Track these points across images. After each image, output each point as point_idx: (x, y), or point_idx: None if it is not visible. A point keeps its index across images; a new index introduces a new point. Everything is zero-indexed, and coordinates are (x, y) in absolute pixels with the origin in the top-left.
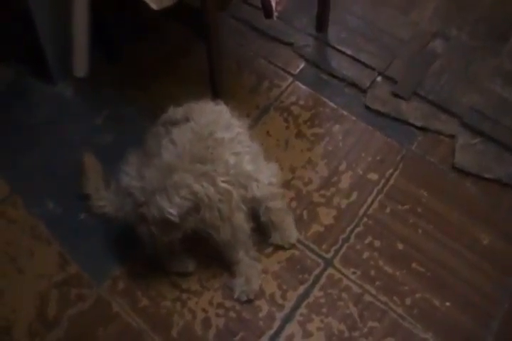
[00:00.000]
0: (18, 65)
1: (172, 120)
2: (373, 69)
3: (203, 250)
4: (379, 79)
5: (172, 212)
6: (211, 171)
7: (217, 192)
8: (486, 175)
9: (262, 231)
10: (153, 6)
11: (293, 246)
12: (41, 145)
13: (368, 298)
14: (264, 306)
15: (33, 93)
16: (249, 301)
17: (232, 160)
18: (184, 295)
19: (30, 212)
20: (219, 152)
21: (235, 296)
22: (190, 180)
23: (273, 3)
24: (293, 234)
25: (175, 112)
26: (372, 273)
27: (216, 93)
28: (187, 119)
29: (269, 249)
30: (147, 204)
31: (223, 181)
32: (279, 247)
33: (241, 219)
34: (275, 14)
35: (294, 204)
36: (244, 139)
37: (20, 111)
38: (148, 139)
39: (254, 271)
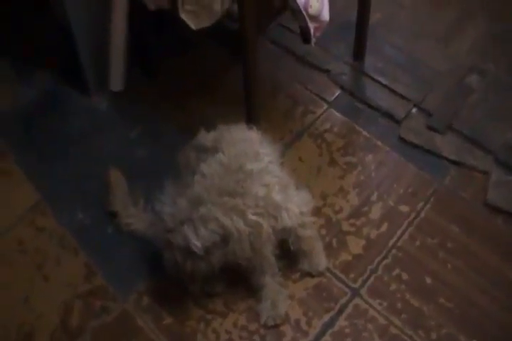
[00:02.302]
0: (55, 76)
1: (202, 147)
2: (409, 100)
3: (230, 272)
4: (414, 110)
5: (197, 244)
6: (240, 204)
7: (247, 225)
8: None
9: (289, 256)
10: (192, 25)
11: (321, 273)
12: (74, 156)
13: (393, 330)
14: (288, 332)
15: (69, 104)
16: (276, 326)
17: (261, 192)
18: (209, 316)
19: (59, 221)
20: (248, 184)
21: (262, 321)
22: (219, 214)
23: (311, 29)
24: (322, 261)
25: (205, 138)
26: (399, 305)
27: (250, 115)
28: (216, 149)
29: (297, 275)
30: (174, 231)
31: (253, 214)
32: (306, 274)
33: (268, 251)
34: (313, 40)
35: (323, 231)
36: (273, 169)
37: (55, 122)
38: (180, 165)
39: (281, 296)
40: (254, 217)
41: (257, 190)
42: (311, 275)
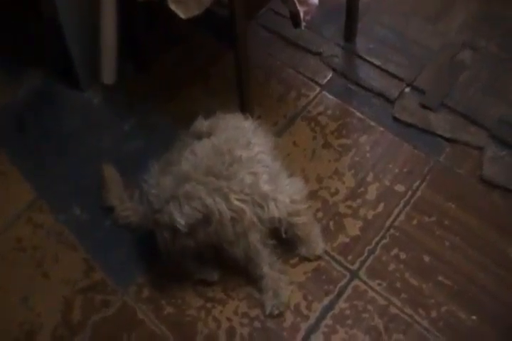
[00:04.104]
0: (47, 72)
1: (197, 133)
2: (401, 79)
3: (229, 259)
4: (407, 90)
5: (180, 221)
6: (224, 187)
7: (229, 209)
8: None
9: (286, 242)
10: (181, 14)
11: (319, 257)
12: (68, 151)
13: (393, 310)
14: (289, 316)
15: (62, 100)
16: (281, 314)
17: (248, 179)
18: (209, 304)
19: (57, 217)
20: (235, 169)
21: (267, 312)
22: (203, 193)
23: (301, 13)
24: (319, 245)
25: (201, 124)
26: (398, 285)
27: (244, 102)
28: (210, 135)
29: (295, 260)
30: (161, 211)
31: (237, 199)
32: (304, 258)
33: (255, 239)
34: (303, 24)
35: (320, 214)
36: (264, 158)
37: (49, 118)
38: (174, 149)
39: (282, 284)
40: (237, 203)
41: (243, 176)
42: (309, 259)
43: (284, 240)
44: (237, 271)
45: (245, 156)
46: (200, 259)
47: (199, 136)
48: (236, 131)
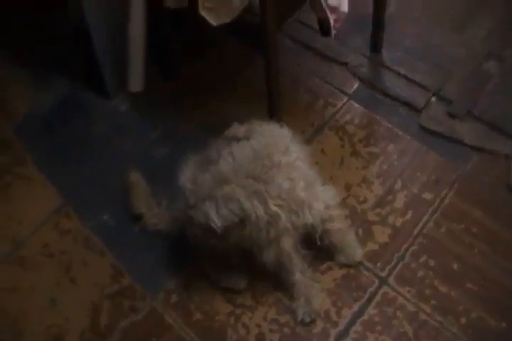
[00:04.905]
0: (75, 79)
1: (234, 137)
2: (428, 89)
3: (258, 265)
4: (433, 99)
5: (216, 222)
6: (263, 191)
7: (266, 213)
8: None
9: (316, 248)
10: (212, 22)
11: (359, 263)
12: (96, 158)
13: (422, 316)
14: (318, 323)
15: (90, 107)
16: (313, 322)
17: (286, 184)
18: (238, 310)
19: (84, 223)
20: (274, 174)
21: (298, 319)
22: (241, 195)
23: (331, 20)
24: (356, 251)
25: (238, 130)
26: (427, 292)
27: (272, 110)
28: (248, 138)
29: (324, 266)
30: (196, 208)
31: (274, 204)
32: (334, 264)
33: (288, 245)
34: (333, 32)
35: (348, 222)
36: (301, 165)
37: (77, 125)
38: (212, 147)
39: (314, 291)
40: (274, 208)
41: (282, 181)
42: (338, 265)
43: (314, 247)
44: (266, 276)
45: (284, 162)
46: (228, 266)
47: (236, 140)
48: (274, 137)
